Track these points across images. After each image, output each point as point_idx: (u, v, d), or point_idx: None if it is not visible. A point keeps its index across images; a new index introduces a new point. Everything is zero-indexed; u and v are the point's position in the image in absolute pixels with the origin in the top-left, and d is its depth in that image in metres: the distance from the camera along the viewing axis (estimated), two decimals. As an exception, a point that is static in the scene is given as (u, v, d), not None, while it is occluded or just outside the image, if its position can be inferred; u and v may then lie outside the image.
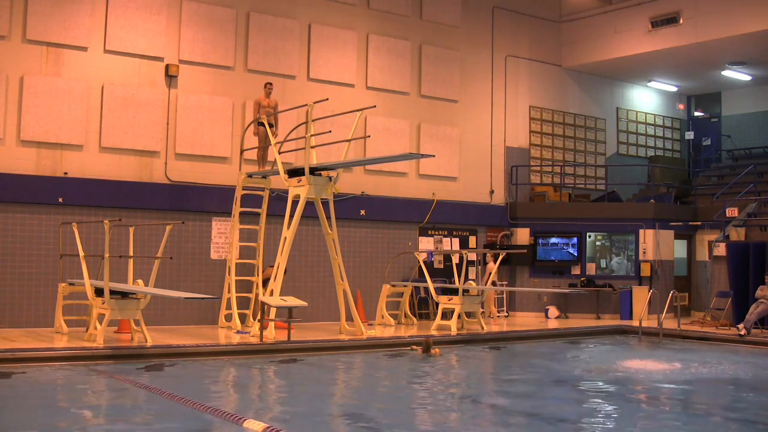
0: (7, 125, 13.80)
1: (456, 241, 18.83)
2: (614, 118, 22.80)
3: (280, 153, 14.22)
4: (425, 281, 15.96)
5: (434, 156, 14.50)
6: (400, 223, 17.90)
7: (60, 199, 14.11)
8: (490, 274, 16.93)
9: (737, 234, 18.29)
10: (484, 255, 17.75)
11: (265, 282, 14.57)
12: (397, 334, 14.58)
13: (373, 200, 17.48)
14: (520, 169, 20.15)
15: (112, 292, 11.90)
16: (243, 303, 15.02)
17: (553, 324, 17.54)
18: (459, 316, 15.34)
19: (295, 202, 13.55)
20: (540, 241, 19.47)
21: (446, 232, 18.77)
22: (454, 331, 14.84)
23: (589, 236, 19.62)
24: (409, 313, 16.49)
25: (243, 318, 14.75)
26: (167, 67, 15.28)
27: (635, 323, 16.42)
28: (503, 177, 19.93)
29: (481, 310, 15.98)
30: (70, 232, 13.18)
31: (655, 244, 19.01)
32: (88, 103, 14.52)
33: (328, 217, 13.88)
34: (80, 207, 14.29)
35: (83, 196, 14.31)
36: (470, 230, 19.15)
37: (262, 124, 14.64)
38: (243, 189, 14.92)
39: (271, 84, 15.00)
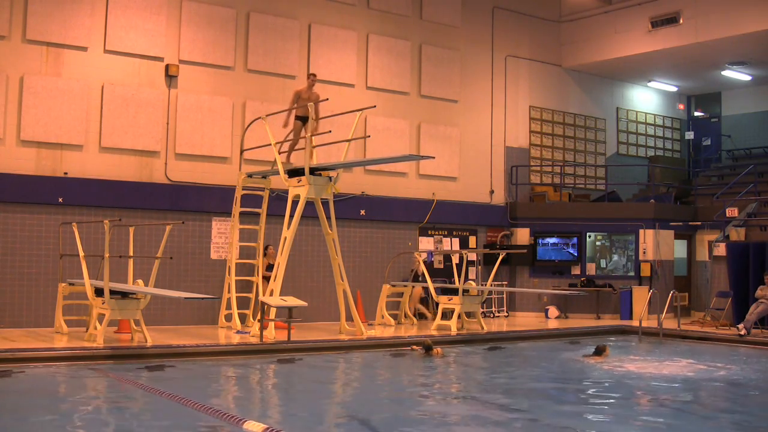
0: (7, 125, 13.80)
1: (456, 241, 18.83)
2: (614, 118, 22.80)
3: (280, 153, 14.21)
4: (425, 281, 15.96)
5: (434, 158, 14.47)
6: (400, 223, 17.90)
7: (60, 199, 14.11)
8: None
9: (737, 234, 18.29)
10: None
11: (269, 267, 14.61)
12: (397, 334, 14.58)
13: (373, 200, 17.48)
14: (520, 169, 20.15)
15: (112, 292, 11.89)
16: (243, 303, 15.01)
17: (553, 324, 17.54)
18: (459, 316, 15.34)
19: (295, 202, 13.55)
20: (540, 241, 19.47)
21: (446, 232, 18.77)
22: (454, 331, 14.84)
23: (589, 236, 19.62)
24: (409, 313, 16.49)
25: (243, 318, 14.75)
26: (167, 67, 15.28)
27: (635, 323, 16.42)
28: (503, 177, 19.93)
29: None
30: (70, 232, 13.18)
31: (655, 244, 19.01)
32: (88, 103, 14.51)
33: (328, 217, 13.88)
34: (80, 207, 14.29)
35: (83, 196, 14.31)
36: (470, 230, 19.15)
37: (299, 118, 14.08)
38: (243, 189, 14.92)
39: (314, 75, 14.51)
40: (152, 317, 14.12)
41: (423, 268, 16.45)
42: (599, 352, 12.75)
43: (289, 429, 7.52)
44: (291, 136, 14.69)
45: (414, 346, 13.16)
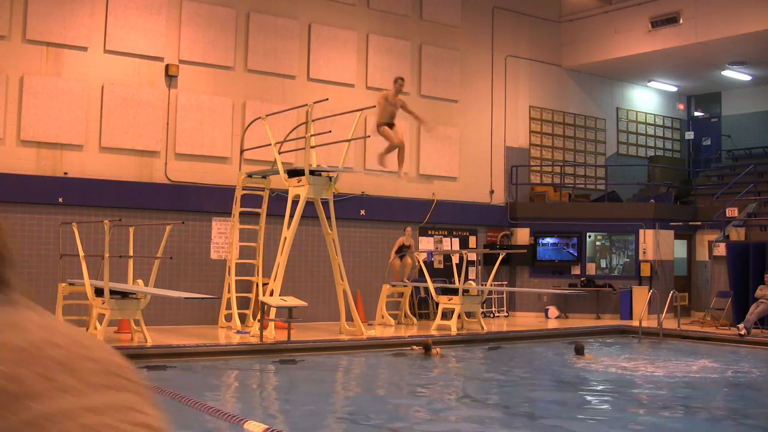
0: (7, 125, 13.80)
1: (456, 241, 18.82)
2: (614, 118, 22.80)
3: (280, 153, 14.20)
4: (425, 281, 15.96)
5: (435, 126, 13.98)
6: (400, 223, 17.87)
7: (60, 199, 14.11)
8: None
9: (737, 234, 18.29)
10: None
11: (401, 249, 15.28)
12: (397, 334, 14.58)
13: (373, 200, 17.47)
14: (520, 169, 20.15)
15: (112, 292, 11.89)
16: (243, 303, 15.01)
17: (553, 324, 17.54)
18: (459, 316, 15.34)
19: (295, 202, 13.54)
20: (540, 241, 19.47)
21: (446, 232, 18.76)
22: (454, 331, 14.84)
23: (589, 236, 19.61)
24: (409, 313, 16.48)
25: (243, 318, 14.74)
26: (167, 67, 15.28)
27: (635, 323, 16.42)
28: (503, 177, 19.92)
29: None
30: (70, 232, 13.18)
31: (655, 244, 19.00)
32: (88, 103, 14.51)
33: (328, 217, 13.87)
34: (80, 207, 14.28)
35: (83, 196, 14.30)
36: (470, 230, 19.14)
37: (386, 124, 13.40)
38: (243, 189, 14.91)
39: (402, 79, 13.62)
40: (152, 317, 14.10)
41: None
42: (580, 350, 12.82)
43: (289, 429, 7.52)
44: (292, 135, 14.69)
45: (414, 346, 13.17)
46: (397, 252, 16.42)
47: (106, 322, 11.86)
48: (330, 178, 13.76)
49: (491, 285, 16.42)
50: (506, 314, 19.00)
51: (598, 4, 20.41)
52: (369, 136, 16.13)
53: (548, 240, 19.49)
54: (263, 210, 15.07)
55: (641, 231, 19.12)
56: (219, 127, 15.77)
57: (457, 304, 15.14)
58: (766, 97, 23.01)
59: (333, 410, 8.94)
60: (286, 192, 13.91)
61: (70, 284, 13.22)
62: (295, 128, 14.91)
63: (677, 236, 19.71)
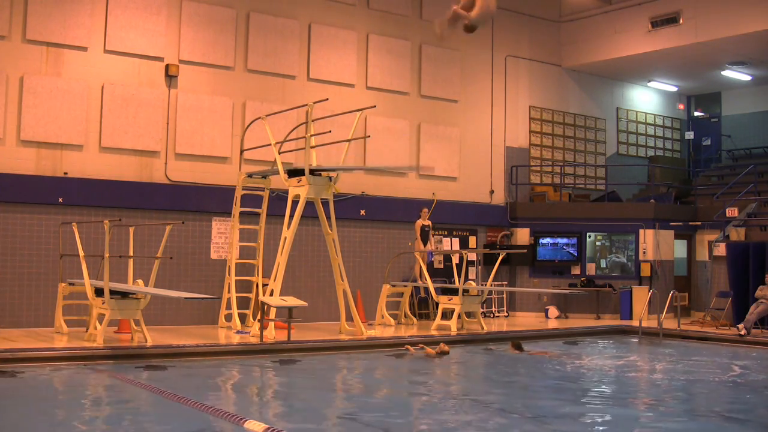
0: (7, 125, 13.80)
1: (456, 241, 18.83)
2: (614, 118, 22.80)
3: (280, 153, 14.21)
4: (425, 281, 15.95)
5: (434, 168, 14.24)
6: (400, 223, 17.89)
7: (60, 199, 14.11)
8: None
9: (737, 234, 18.29)
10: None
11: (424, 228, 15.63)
12: (397, 334, 14.58)
13: (373, 200, 17.48)
14: (520, 169, 20.16)
15: (112, 292, 11.89)
16: (243, 303, 15.01)
17: (553, 324, 17.54)
18: (459, 316, 15.34)
19: (295, 202, 13.55)
20: (540, 241, 19.47)
21: (446, 232, 18.77)
22: (454, 331, 14.84)
23: (589, 236, 19.62)
24: (409, 313, 16.49)
25: (243, 318, 14.75)
26: (167, 67, 15.28)
27: (635, 323, 16.43)
28: (503, 177, 19.93)
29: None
30: (70, 232, 13.17)
31: (655, 244, 19.01)
32: (88, 103, 14.51)
33: (328, 217, 13.88)
34: (80, 207, 14.29)
35: (83, 196, 14.31)
36: (470, 230, 19.15)
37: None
38: (243, 189, 14.91)
39: None
40: (152, 317, 14.12)
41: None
42: (519, 346, 13.30)
43: (289, 429, 7.52)
44: (292, 135, 14.68)
45: (408, 346, 13.18)
46: (421, 235, 16.51)
47: (106, 322, 11.86)
48: (330, 178, 13.77)
49: (491, 285, 16.41)
50: (506, 314, 19.01)
51: (598, 4, 20.41)
52: (369, 136, 16.15)
53: (548, 240, 19.50)
54: (263, 210, 15.07)
55: (641, 231, 19.13)
56: (219, 127, 15.78)
57: (457, 304, 15.15)
58: (766, 97, 23.01)
59: (333, 410, 8.94)
60: (286, 192, 13.91)
61: (70, 284, 13.22)
62: (295, 128, 14.92)
63: (677, 236, 19.72)
